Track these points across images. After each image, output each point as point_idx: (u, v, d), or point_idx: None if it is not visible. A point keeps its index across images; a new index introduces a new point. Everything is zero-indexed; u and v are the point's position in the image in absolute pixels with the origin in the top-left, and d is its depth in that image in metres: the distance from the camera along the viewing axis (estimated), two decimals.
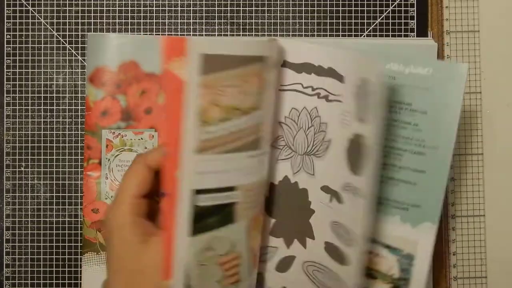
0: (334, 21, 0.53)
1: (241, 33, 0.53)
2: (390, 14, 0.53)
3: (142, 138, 0.51)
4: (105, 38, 0.50)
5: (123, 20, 0.53)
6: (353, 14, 0.53)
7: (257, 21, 0.53)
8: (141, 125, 0.51)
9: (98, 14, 0.53)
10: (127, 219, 0.39)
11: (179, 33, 0.53)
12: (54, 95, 0.52)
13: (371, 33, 0.53)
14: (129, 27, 0.53)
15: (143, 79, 0.50)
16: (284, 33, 0.53)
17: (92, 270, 0.51)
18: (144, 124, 0.51)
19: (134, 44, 0.50)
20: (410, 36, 0.52)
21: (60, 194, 0.52)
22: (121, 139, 0.50)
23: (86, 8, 0.53)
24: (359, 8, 0.53)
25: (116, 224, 0.39)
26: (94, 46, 0.50)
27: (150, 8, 0.53)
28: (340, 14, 0.53)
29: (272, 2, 0.53)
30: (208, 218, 0.38)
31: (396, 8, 0.53)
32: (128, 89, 0.50)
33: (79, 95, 0.52)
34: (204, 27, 0.53)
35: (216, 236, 0.38)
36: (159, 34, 0.53)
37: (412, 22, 0.53)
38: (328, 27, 0.53)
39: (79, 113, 0.52)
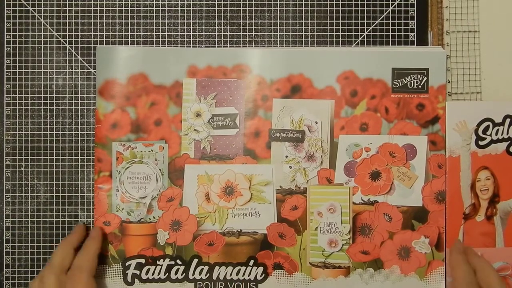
0: (334, 21, 0.53)
1: (241, 33, 0.53)
2: (390, 14, 0.53)
3: (152, 150, 0.51)
4: (114, 51, 0.51)
5: (123, 20, 0.53)
6: (353, 14, 0.53)
7: (257, 21, 0.53)
8: (151, 137, 0.51)
9: (98, 14, 0.53)
10: None
11: (179, 33, 0.53)
12: (54, 95, 0.52)
13: (371, 33, 0.53)
14: (129, 27, 0.53)
15: (152, 91, 0.51)
16: (284, 33, 0.53)
17: (104, 283, 0.51)
18: (154, 136, 0.51)
19: (143, 56, 0.51)
20: (410, 36, 0.52)
21: (60, 194, 0.52)
22: (131, 152, 0.51)
23: (86, 8, 0.53)
24: (359, 8, 0.53)
25: None
26: (103, 59, 0.50)
27: (150, 8, 0.53)
28: (340, 14, 0.53)
29: (272, 2, 0.53)
30: None
31: (396, 8, 0.53)
32: (137, 101, 0.51)
33: (79, 95, 0.52)
34: (204, 27, 0.53)
35: None
36: (159, 35, 0.53)
37: (412, 22, 0.53)
38: (328, 27, 0.53)
39: (79, 113, 0.52)
